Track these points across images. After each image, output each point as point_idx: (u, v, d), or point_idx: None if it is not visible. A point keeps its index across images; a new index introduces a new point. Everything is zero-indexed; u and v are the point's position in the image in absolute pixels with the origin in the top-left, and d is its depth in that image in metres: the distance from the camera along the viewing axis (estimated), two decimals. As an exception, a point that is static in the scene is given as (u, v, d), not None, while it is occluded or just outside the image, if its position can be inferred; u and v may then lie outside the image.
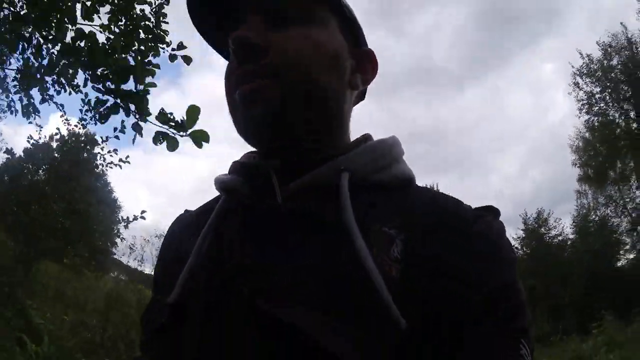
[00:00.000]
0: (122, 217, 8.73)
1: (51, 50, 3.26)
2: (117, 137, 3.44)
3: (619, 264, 16.90)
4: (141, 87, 3.03)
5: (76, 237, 9.06)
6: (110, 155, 7.05)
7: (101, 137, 7.35)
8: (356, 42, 0.67)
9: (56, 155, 11.36)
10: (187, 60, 3.21)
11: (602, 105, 14.70)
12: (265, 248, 0.55)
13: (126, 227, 8.26)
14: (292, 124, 0.58)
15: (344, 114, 0.65)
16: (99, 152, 8.68)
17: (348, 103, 0.65)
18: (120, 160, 6.18)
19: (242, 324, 0.51)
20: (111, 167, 6.88)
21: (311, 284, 0.50)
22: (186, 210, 0.77)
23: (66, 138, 12.09)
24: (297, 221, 0.56)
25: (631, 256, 16.08)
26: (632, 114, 14.17)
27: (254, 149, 0.68)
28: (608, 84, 14.40)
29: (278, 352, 0.48)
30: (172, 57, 3.21)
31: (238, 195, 0.63)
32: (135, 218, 7.90)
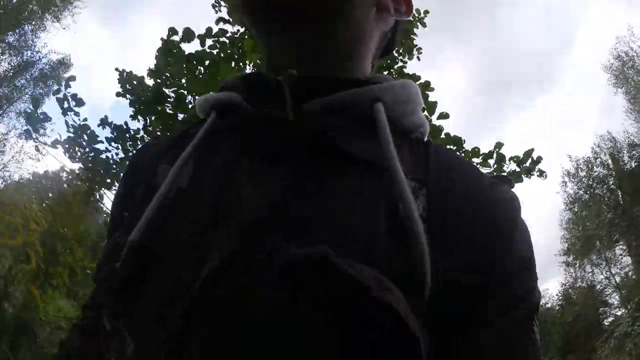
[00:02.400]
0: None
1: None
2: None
3: (606, 322, 18.36)
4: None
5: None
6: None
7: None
8: None
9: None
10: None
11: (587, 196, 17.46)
12: (282, 180, 0.45)
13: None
14: (319, 19, 0.51)
15: (367, 30, 0.56)
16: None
17: (371, 22, 0.56)
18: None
19: (258, 278, 0.39)
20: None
21: (345, 228, 0.42)
22: (155, 138, 0.91)
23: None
24: (319, 148, 0.46)
25: (619, 313, 17.52)
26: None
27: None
28: (592, 184, 17.24)
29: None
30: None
31: (235, 112, 0.51)
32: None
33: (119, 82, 4.65)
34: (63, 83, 4.68)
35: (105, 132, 4.74)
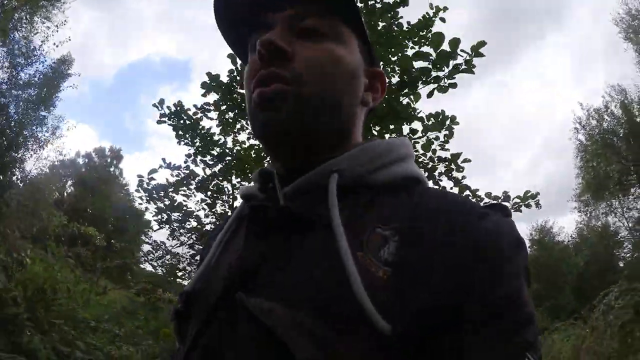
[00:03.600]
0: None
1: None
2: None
3: (620, 264, 18.95)
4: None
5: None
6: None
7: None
8: (371, 62, 0.70)
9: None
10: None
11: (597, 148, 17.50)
12: (262, 248, 0.57)
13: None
14: (305, 131, 0.60)
15: (354, 128, 0.66)
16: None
17: (358, 118, 0.67)
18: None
19: (230, 321, 0.53)
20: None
21: (300, 282, 0.51)
22: (226, 219, 0.80)
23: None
24: (292, 222, 0.57)
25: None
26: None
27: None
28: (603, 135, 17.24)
29: (252, 348, 0.50)
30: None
31: (252, 201, 0.66)
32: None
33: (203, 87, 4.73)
34: (146, 178, 5.09)
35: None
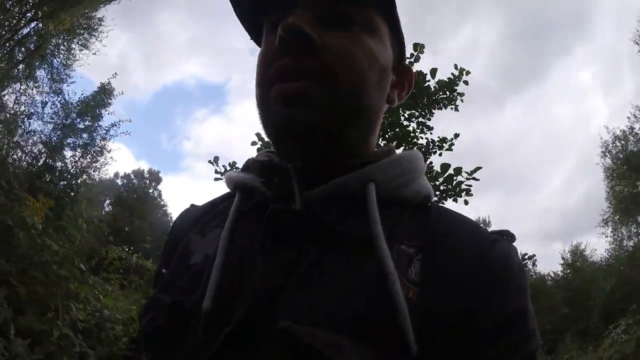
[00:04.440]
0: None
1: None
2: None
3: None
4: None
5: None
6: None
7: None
8: (401, 56, 0.65)
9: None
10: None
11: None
12: (286, 261, 0.52)
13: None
14: (332, 134, 0.55)
15: (378, 128, 0.63)
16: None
17: (381, 117, 0.63)
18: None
19: (260, 343, 0.49)
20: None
21: (334, 302, 0.49)
22: (192, 205, 0.74)
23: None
24: (318, 231, 0.54)
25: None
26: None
27: (273, 148, 0.66)
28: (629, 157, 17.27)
29: None
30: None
31: (256, 196, 0.60)
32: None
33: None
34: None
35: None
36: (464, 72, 5.33)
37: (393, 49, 0.63)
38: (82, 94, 14.96)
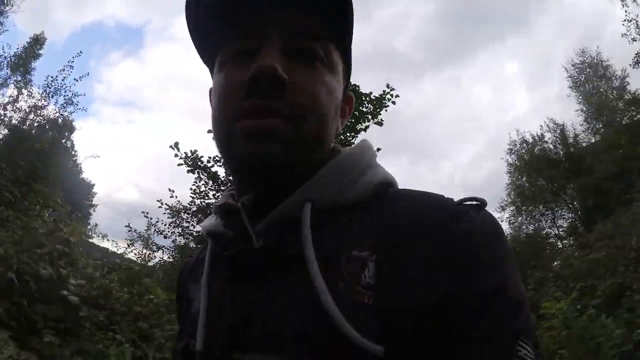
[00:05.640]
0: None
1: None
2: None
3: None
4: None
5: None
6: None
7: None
8: (347, 86, 0.69)
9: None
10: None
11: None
12: (246, 294, 0.56)
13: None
14: (293, 166, 0.57)
15: (333, 135, 0.64)
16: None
17: (336, 127, 0.66)
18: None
19: None
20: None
21: (281, 325, 0.51)
22: (190, 257, 0.80)
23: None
24: (270, 260, 0.56)
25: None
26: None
27: (231, 188, 0.69)
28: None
29: None
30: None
31: (222, 239, 0.64)
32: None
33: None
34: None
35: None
36: (393, 94, 6.64)
37: (344, 80, 0.66)
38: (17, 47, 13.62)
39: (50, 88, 12.45)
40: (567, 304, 6.39)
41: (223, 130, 0.60)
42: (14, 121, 11.74)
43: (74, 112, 13.12)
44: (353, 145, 0.66)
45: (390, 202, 0.58)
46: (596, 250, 8.87)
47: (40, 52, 14.71)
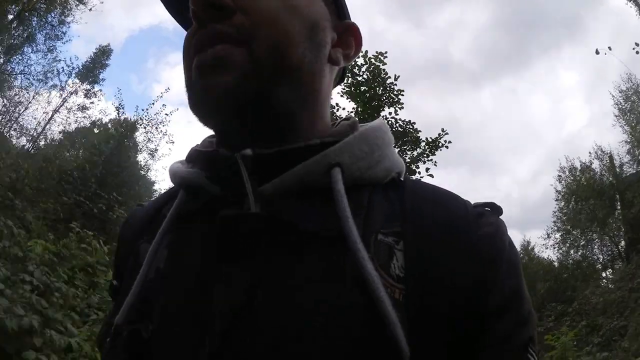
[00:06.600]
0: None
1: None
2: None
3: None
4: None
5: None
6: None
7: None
8: (339, 13, 0.61)
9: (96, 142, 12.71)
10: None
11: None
12: (248, 277, 0.46)
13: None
14: (260, 98, 0.49)
15: (323, 92, 0.56)
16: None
17: (327, 79, 0.58)
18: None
19: None
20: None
21: (311, 319, 0.43)
22: (138, 205, 0.67)
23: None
24: (281, 234, 0.47)
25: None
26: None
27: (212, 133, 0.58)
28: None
29: None
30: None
31: (203, 196, 0.53)
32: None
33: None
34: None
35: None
36: (447, 139, 8.42)
37: (327, 4, 0.58)
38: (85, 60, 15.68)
39: (138, 117, 14.33)
40: (569, 338, 7.21)
41: (186, 80, 0.53)
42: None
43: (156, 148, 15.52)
44: (373, 122, 0.59)
45: (410, 191, 0.54)
46: (614, 290, 9.50)
47: (107, 62, 16.62)
